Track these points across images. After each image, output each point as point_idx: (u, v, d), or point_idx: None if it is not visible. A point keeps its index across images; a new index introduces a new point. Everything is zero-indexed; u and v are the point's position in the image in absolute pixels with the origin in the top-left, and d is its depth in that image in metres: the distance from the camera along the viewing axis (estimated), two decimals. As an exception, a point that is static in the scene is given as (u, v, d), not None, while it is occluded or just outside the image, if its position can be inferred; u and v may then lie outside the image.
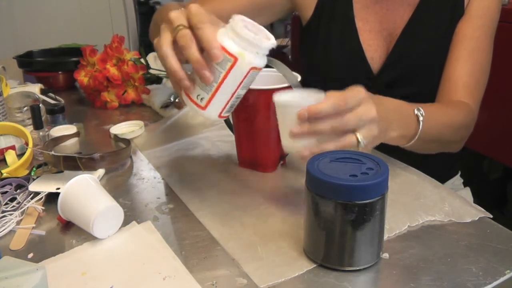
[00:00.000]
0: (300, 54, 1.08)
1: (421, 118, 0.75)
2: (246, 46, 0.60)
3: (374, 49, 0.96)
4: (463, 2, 0.92)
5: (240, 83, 0.62)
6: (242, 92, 0.64)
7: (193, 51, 0.60)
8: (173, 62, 0.63)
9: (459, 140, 0.91)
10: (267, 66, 0.79)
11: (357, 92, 0.64)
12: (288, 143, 0.63)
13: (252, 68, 0.62)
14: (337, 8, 0.98)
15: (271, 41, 0.62)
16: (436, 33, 0.93)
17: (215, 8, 1.01)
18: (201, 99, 0.63)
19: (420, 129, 0.75)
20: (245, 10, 1.03)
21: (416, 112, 0.75)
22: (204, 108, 0.64)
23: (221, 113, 0.65)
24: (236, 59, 0.60)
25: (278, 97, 0.63)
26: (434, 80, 0.93)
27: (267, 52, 0.63)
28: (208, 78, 0.61)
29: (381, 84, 0.96)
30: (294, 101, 0.62)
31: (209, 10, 1.00)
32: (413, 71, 0.95)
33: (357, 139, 0.62)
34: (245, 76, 0.62)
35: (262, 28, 0.64)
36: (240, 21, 0.60)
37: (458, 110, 0.87)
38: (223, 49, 0.60)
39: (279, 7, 1.05)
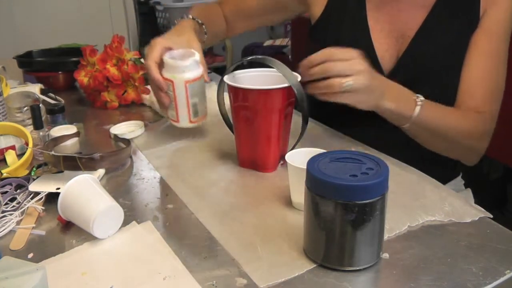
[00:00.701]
0: (307, 53, 1.09)
1: (419, 102, 0.82)
2: (174, 70, 0.84)
3: (385, 48, 0.96)
4: (479, 12, 0.91)
5: (187, 94, 0.85)
6: (195, 99, 0.87)
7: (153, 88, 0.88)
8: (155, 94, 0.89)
9: (470, 148, 0.92)
10: (267, 66, 0.80)
11: (349, 50, 0.75)
12: (297, 200, 0.70)
13: (186, 81, 0.84)
14: (349, 7, 0.99)
15: (191, 58, 0.85)
16: (450, 38, 0.93)
17: (239, 6, 1.15)
18: (173, 115, 0.89)
19: (417, 112, 0.81)
20: (266, 7, 1.13)
21: (414, 97, 0.83)
22: (177, 121, 0.89)
23: (190, 119, 0.88)
24: (172, 81, 0.84)
25: (291, 160, 0.69)
26: (445, 84, 0.93)
27: (195, 66, 0.85)
28: (164, 102, 0.87)
29: None
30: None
31: (233, 8, 1.16)
32: (425, 74, 0.94)
33: (344, 82, 0.74)
34: (186, 88, 0.85)
35: (190, 51, 0.87)
36: (165, 57, 0.85)
37: (468, 118, 0.89)
38: (165, 79, 0.85)
39: (294, 8, 1.13)
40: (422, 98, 0.83)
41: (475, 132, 0.90)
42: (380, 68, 0.95)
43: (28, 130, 0.91)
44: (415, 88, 0.94)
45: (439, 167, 1.02)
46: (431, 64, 0.94)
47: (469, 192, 1.07)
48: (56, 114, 1.02)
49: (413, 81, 0.94)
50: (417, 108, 0.82)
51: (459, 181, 1.09)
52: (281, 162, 0.83)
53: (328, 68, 0.75)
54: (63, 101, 1.15)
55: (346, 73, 0.74)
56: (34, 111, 0.92)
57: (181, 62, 0.84)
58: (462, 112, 0.91)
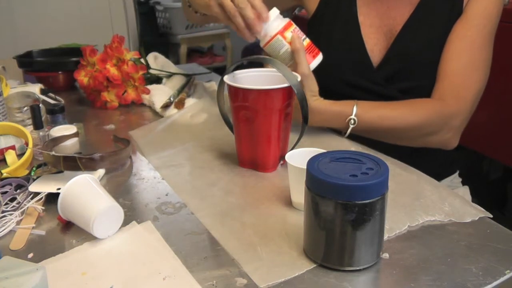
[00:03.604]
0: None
1: (351, 124, 0.89)
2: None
3: (374, 42, 1.00)
4: (462, 3, 0.94)
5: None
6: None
7: (249, 10, 0.83)
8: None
9: (425, 135, 0.93)
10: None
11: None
12: (297, 200, 0.70)
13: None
14: (341, 4, 1.03)
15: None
16: (434, 31, 0.96)
17: None
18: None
19: (348, 132, 0.90)
20: None
21: (345, 118, 0.89)
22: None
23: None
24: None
25: (291, 160, 0.69)
26: (431, 75, 0.95)
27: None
28: (258, 30, 0.85)
29: (381, 77, 0.99)
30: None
31: None
32: (410, 66, 0.97)
33: None
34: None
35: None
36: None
37: (416, 109, 0.91)
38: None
39: (283, 0, 1.13)
40: (353, 118, 0.88)
41: (424, 122, 0.90)
42: (370, 61, 0.99)
43: (28, 130, 0.91)
44: (402, 80, 0.98)
45: (436, 162, 1.03)
46: (416, 58, 0.97)
47: (466, 189, 1.08)
48: (56, 114, 1.02)
49: (400, 74, 0.98)
50: (349, 129, 0.89)
51: (455, 178, 1.10)
52: (281, 162, 0.83)
53: None
54: (63, 101, 1.15)
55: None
56: (34, 111, 0.92)
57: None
58: (413, 105, 0.92)
